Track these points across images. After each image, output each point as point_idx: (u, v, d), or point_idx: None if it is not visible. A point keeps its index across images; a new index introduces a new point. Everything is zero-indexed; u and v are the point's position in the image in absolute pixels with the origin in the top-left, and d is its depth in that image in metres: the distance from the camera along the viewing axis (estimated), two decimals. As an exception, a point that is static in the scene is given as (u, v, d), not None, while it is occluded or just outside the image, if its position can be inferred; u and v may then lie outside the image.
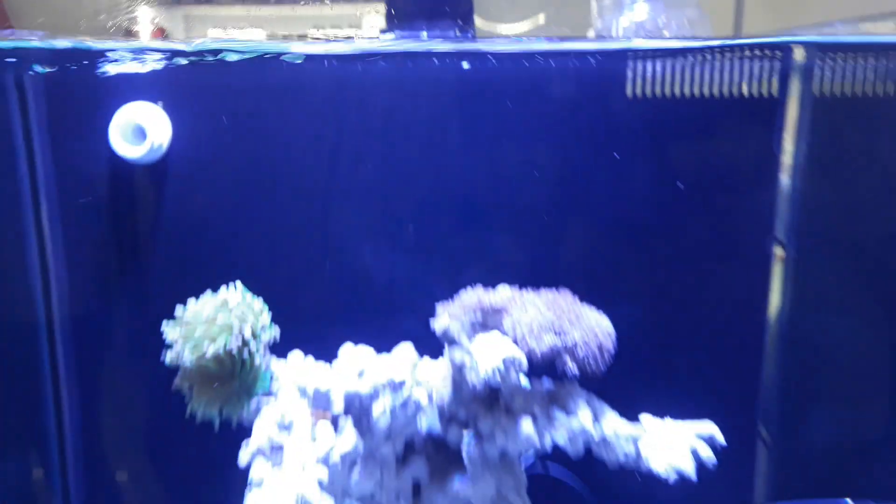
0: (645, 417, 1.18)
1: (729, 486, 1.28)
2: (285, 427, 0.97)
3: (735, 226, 1.31)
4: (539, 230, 1.36)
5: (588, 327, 1.16)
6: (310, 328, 1.29)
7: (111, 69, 1.32)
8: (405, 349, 1.22)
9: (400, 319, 1.31)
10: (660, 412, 1.19)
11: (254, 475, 0.92)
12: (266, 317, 1.03)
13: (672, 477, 1.10)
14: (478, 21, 1.43)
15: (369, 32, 1.48)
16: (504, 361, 1.12)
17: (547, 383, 1.24)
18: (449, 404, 1.20)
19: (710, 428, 1.13)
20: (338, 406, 1.07)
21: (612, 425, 1.17)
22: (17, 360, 1.41)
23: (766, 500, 1.34)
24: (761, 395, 1.36)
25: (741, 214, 1.31)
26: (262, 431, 0.95)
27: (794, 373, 1.34)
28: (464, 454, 1.21)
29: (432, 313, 1.16)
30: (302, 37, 1.45)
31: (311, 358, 1.14)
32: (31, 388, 1.41)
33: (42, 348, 1.40)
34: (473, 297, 1.18)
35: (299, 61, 1.32)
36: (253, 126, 1.35)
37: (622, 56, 1.29)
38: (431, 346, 1.22)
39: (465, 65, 1.32)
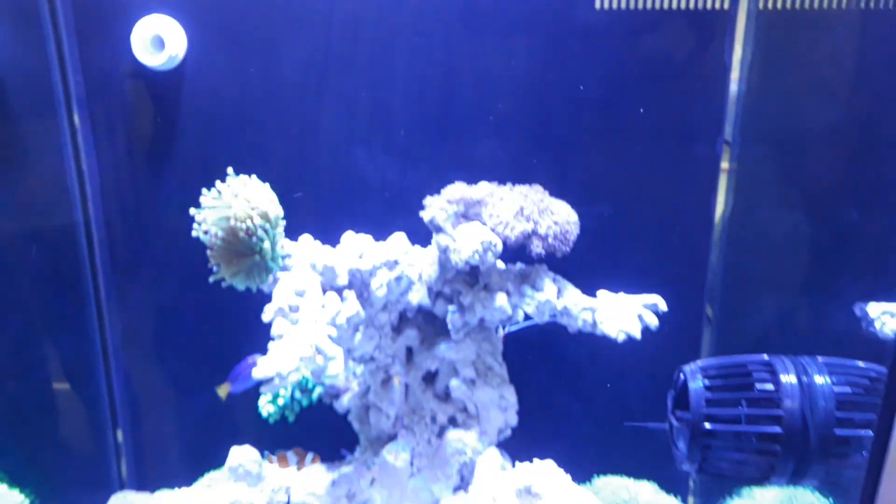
0: (602, 293, 1.39)
1: (680, 353, 1.50)
2: (299, 293, 1.17)
3: (687, 127, 1.48)
4: (514, 135, 1.52)
5: (555, 216, 1.35)
6: (315, 219, 1.49)
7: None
8: (399, 237, 1.42)
9: (394, 216, 1.49)
10: (616, 291, 1.40)
11: (275, 331, 1.13)
12: (277, 203, 1.21)
13: (621, 338, 1.32)
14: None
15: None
16: (482, 245, 1.32)
17: (519, 265, 1.44)
18: (436, 282, 1.41)
19: (654, 298, 1.35)
20: (342, 279, 1.27)
21: (573, 299, 1.38)
22: (60, 252, 1.60)
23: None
24: (708, 280, 1.58)
25: (693, 117, 1.48)
26: (281, 296, 1.15)
27: (735, 260, 1.54)
28: (449, 324, 1.43)
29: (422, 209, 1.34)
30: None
31: (318, 242, 1.34)
32: (74, 276, 1.61)
33: (81, 239, 1.59)
34: (457, 190, 1.36)
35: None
36: (259, 37, 1.48)
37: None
38: (421, 238, 1.41)
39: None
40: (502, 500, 1.27)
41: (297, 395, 1.45)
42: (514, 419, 1.46)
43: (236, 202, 1.16)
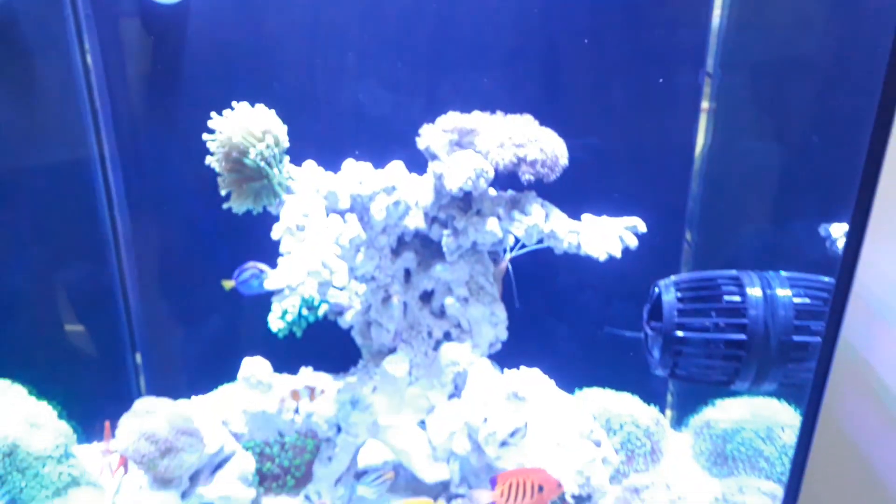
0: (586, 216, 1.49)
1: (662, 274, 1.60)
2: (305, 215, 1.27)
3: (671, 60, 1.55)
4: (505, 68, 1.59)
5: (544, 145, 1.43)
6: (318, 148, 1.57)
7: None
8: (397, 165, 1.50)
9: (392, 146, 1.56)
10: (598, 214, 1.49)
11: (283, 248, 1.23)
12: (282, 129, 1.29)
13: (603, 258, 1.42)
14: None
15: None
16: (475, 171, 1.40)
17: (510, 191, 1.53)
18: (431, 208, 1.50)
19: (634, 220, 1.44)
20: (344, 203, 1.37)
21: (560, 223, 1.48)
22: (77, 185, 1.69)
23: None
24: (688, 206, 1.67)
25: (677, 50, 1.54)
26: (288, 217, 1.25)
27: (713, 188, 1.63)
28: (444, 247, 1.53)
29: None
30: None
31: (321, 168, 1.42)
32: (91, 208, 1.70)
33: (96, 172, 1.68)
34: (451, 120, 1.44)
35: None
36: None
37: None
38: (418, 167, 1.50)
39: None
40: (492, 403, 1.40)
41: (304, 312, 1.56)
42: (503, 334, 1.58)
43: (243, 128, 1.24)
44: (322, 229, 1.25)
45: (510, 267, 1.56)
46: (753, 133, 1.59)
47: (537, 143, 1.42)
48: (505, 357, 1.58)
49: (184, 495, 1.43)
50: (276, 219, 1.30)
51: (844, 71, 1.50)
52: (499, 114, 1.48)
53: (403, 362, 1.53)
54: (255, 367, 1.49)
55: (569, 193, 1.51)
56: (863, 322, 1.39)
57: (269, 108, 1.34)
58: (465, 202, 1.50)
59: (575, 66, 1.58)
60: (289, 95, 1.61)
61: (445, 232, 1.51)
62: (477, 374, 1.50)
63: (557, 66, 1.58)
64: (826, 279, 1.29)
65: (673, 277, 1.34)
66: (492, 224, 1.46)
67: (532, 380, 1.43)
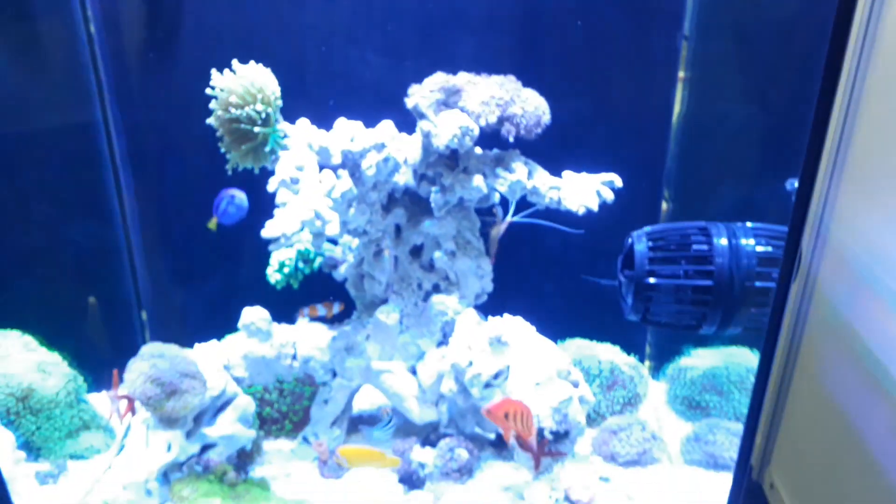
0: (567, 173, 1.56)
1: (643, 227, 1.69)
2: (299, 168, 1.34)
3: (650, 24, 1.61)
4: (490, 31, 1.65)
5: (527, 105, 1.50)
6: (311, 108, 1.63)
7: None
8: (386, 124, 1.57)
9: (382, 107, 1.63)
10: (578, 171, 1.57)
11: (279, 199, 1.31)
12: (277, 86, 1.36)
13: (581, 211, 1.50)
14: None
15: None
16: (461, 129, 1.48)
17: (495, 150, 1.61)
18: (420, 165, 1.58)
19: (611, 176, 1.52)
20: (336, 159, 1.44)
21: (542, 179, 1.56)
22: (82, 146, 1.76)
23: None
24: (667, 165, 1.74)
25: (656, 14, 1.60)
26: (283, 170, 1.32)
27: (689, 148, 1.71)
28: (432, 203, 1.61)
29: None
30: None
31: (314, 126, 1.50)
32: (96, 168, 1.78)
33: (100, 134, 1.75)
34: (438, 79, 1.51)
35: None
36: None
37: None
38: (407, 128, 1.57)
39: None
40: (476, 347, 1.49)
41: (301, 265, 1.65)
42: (489, 286, 1.67)
43: (240, 87, 1.31)
44: (315, 183, 1.33)
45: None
46: (728, 94, 1.66)
47: (520, 103, 1.49)
48: (491, 310, 1.66)
49: (188, 435, 1.53)
50: (273, 174, 1.38)
51: (813, 34, 1.56)
52: (484, 75, 1.55)
53: (395, 312, 1.62)
54: (254, 315, 1.57)
55: (552, 153, 1.58)
56: (840, 280, 1.48)
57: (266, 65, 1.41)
58: (452, 160, 1.57)
59: (558, 29, 1.65)
60: (284, 58, 1.66)
61: (433, 188, 1.59)
62: (463, 322, 1.59)
63: (542, 29, 1.65)
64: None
65: (646, 228, 1.43)
66: (477, 180, 1.54)
67: (514, 326, 1.52)
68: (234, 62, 1.36)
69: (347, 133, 1.48)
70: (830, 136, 1.51)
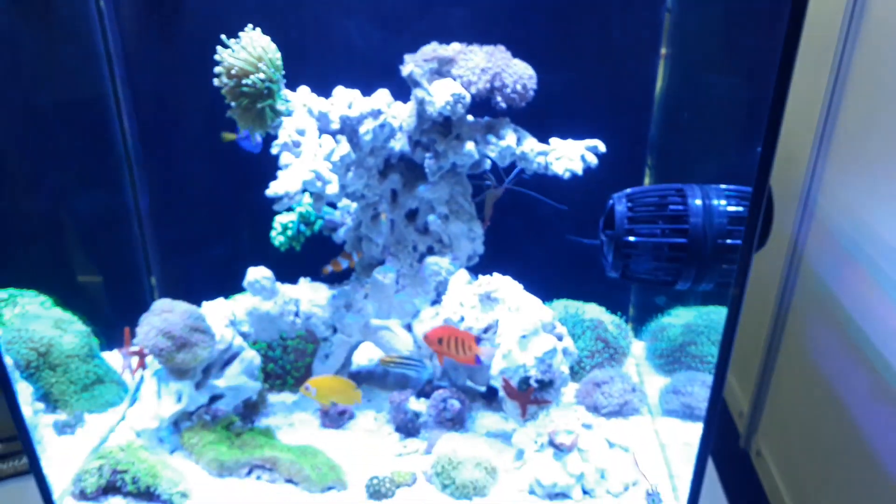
0: (554, 140, 1.65)
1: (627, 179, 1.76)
2: (300, 132, 1.43)
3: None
4: (483, 5, 1.73)
5: (516, 73, 1.59)
6: (311, 78, 1.72)
7: None
8: (382, 92, 1.65)
9: (379, 74, 1.71)
10: (566, 138, 1.66)
11: (282, 161, 1.40)
12: (279, 56, 1.45)
13: (567, 175, 1.59)
14: None
15: None
16: (453, 97, 1.56)
17: (486, 118, 1.69)
18: (414, 132, 1.66)
19: (595, 142, 1.61)
20: (335, 125, 1.53)
21: (530, 145, 1.65)
22: (93, 118, 1.84)
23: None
24: (650, 133, 1.83)
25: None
26: (285, 134, 1.41)
27: (669, 118, 1.79)
28: (426, 168, 1.70)
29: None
30: None
31: (314, 94, 1.58)
32: (107, 139, 1.87)
33: (111, 106, 1.83)
34: (431, 49, 1.59)
35: None
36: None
37: None
38: (402, 97, 1.65)
39: None
40: (467, 303, 1.59)
41: (302, 227, 1.74)
42: (480, 248, 1.76)
43: (244, 55, 1.39)
44: (315, 147, 1.42)
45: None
46: (707, 68, 1.75)
47: (510, 72, 1.57)
48: (483, 272, 1.76)
49: (197, 386, 1.63)
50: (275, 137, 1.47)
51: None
52: (475, 45, 1.63)
53: (391, 272, 1.71)
54: (258, 273, 1.67)
55: (541, 121, 1.67)
56: (825, 251, 1.57)
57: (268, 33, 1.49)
58: (446, 127, 1.66)
59: (546, 6, 1.73)
60: (287, 27, 1.74)
61: (427, 154, 1.68)
62: (456, 281, 1.69)
63: (531, 5, 1.73)
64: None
65: (626, 191, 1.52)
66: (469, 146, 1.62)
67: (503, 284, 1.62)
68: (245, 31, 1.44)
69: (345, 100, 1.56)
70: (817, 113, 1.60)
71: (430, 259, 1.72)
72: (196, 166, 1.93)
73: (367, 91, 1.63)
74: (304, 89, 1.54)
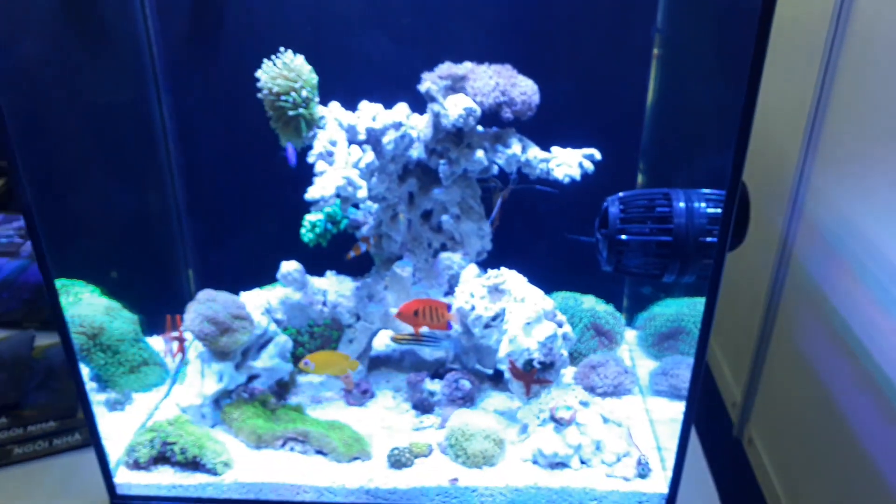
0: (555, 148, 1.84)
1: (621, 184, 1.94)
2: (333, 143, 1.62)
3: (627, 18, 1.88)
4: (493, 26, 1.92)
5: (522, 89, 1.78)
6: (340, 93, 1.90)
7: None
8: (402, 105, 1.84)
9: (398, 89, 1.90)
10: (566, 146, 1.85)
11: (317, 169, 1.59)
12: (315, 76, 1.64)
13: (566, 180, 1.78)
14: None
15: None
16: (465, 111, 1.75)
17: (494, 128, 1.88)
18: (430, 141, 1.85)
19: (592, 150, 1.80)
20: (361, 136, 1.72)
21: (534, 153, 1.83)
22: (136, 121, 2.03)
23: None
24: (642, 140, 2.02)
25: (631, 9, 1.87)
26: (320, 144, 1.60)
27: (659, 125, 1.98)
28: (440, 174, 1.89)
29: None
30: None
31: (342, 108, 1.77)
32: (150, 143, 2.05)
33: (154, 109, 2.02)
34: (446, 68, 1.78)
35: None
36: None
37: None
38: (419, 107, 1.84)
39: None
40: (477, 294, 1.79)
41: (329, 226, 1.94)
42: (489, 245, 1.95)
43: (282, 75, 1.59)
44: (346, 156, 1.61)
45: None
46: (694, 82, 1.93)
47: (516, 88, 1.76)
48: (491, 267, 1.95)
49: (237, 367, 1.82)
50: (306, 150, 1.66)
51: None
52: (486, 64, 1.82)
53: (408, 266, 1.91)
54: (290, 266, 1.86)
55: (543, 130, 1.85)
56: (813, 248, 1.73)
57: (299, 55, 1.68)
58: (458, 137, 1.85)
59: (549, 28, 1.92)
60: (316, 46, 1.93)
61: (441, 161, 1.87)
62: (467, 275, 1.88)
63: (533, 22, 1.92)
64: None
65: (619, 194, 1.71)
66: (479, 154, 1.81)
67: (509, 277, 1.81)
68: (282, 51, 1.63)
69: (370, 113, 1.75)
70: (806, 115, 1.74)
71: (444, 255, 1.91)
72: (232, 168, 2.13)
73: (387, 103, 1.82)
74: (334, 104, 1.73)
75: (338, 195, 1.55)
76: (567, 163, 1.78)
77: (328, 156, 1.58)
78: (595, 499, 1.60)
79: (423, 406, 1.85)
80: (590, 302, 2.09)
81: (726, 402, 2.25)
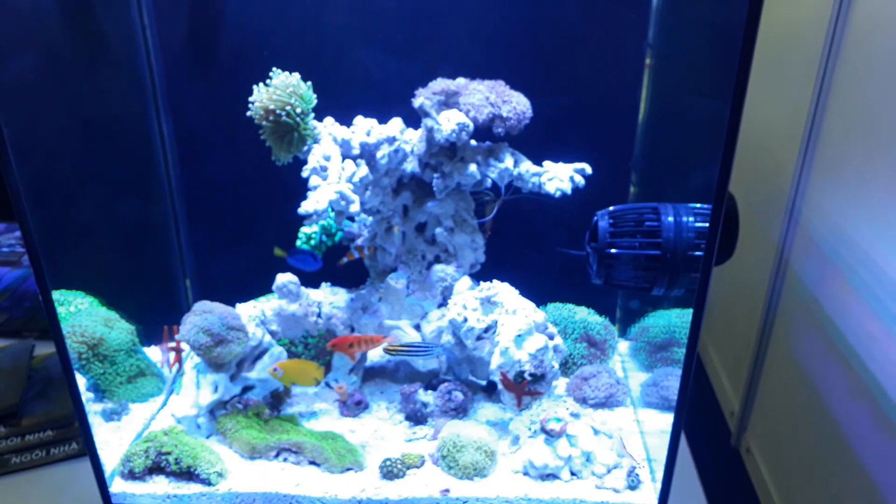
0: (547, 162, 1.87)
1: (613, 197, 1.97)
2: (327, 158, 1.65)
3: (619, 34, 1.90)
4: (484, 42, 1.95)
5: (513, 104, 1.80)
6: (335, 107, 1.93)
7: None
8: (396, 120, 1.87)
9: (393, 104, 1.93)
10: (558, 160, 1.87)
11: (311, 183, 1.61)
12: (310, 92, 1.67)
13: (558, 194, 1.81)
14: None
15: None
16: (458, 126, 1.78)
17: (487, 143, 1.91)
18: (424, 155, 1.88)
19: (582, 165, 1.82)
20: (355, 150, 1.75)
21: (526, 167, 1.86)
22: (135, 132, 2.06)
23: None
24: (634, 152, 2.05)
25: (624, 25, 1.90)
26: (314, 159, 1.63)
27: (652, 137, 2.00)
28: (434, 187, 1.91)
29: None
30: None
31: (337, 123, 1.80)
32: (148, 154, 2.08)
33: (153, 122, 2.05)
34: (439, 84, 1.81)
35: None
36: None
37: None
38: (413, 122, 1.87)
39: None
40: (470, 306, 1.81)
41: (324, 238, 1.96)
42: (482, 257, 1.98)
43: (277, 92, 1.62)
44: (339, 170, 1.64)
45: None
46: (685, 98, 1.96)
47: (508, 103, 1.79)
48: (484, 279, 1.97)
49: (231, 378, 1.84)
50: (302, 163, 1.69)
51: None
52: (478, 80, 1.85)
53: (403, 278, 1.93)
54: (285, 278, 1.89)
55: (535, 144, 1.88)
56: (809, 259, 1.74)
57: (294, 71, 1.71)
58: (451, 151, 1.88)
59: (541, 43, 1.95)
60: (310, 61, 1.96)
61: (435, 175, 1.90)
62: (460, 286, 1.90)
63: (525, 39, 1.95)
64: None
65: (609, 209, 1.73)
66: (472, 168, 1.84)
67: (501, 289, 1.83)
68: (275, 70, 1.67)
69: (364, 128, 1.78)
70: (802, 127, 1.75)
71: (437, 267, 1.93)
72: (229, 179, 2.16)
73: (382, 118, 1.85)
74: (329, 120, 1.76)
75: (331, 209, 1.58)
76: (559, 177, 1.81)
77: (322, 170, 1.60)
78: (585, 510, 1.62)
79: (416, 417, 1.87)
80: (583, 313, 2.10)
81: (724, 411, 2.26)
